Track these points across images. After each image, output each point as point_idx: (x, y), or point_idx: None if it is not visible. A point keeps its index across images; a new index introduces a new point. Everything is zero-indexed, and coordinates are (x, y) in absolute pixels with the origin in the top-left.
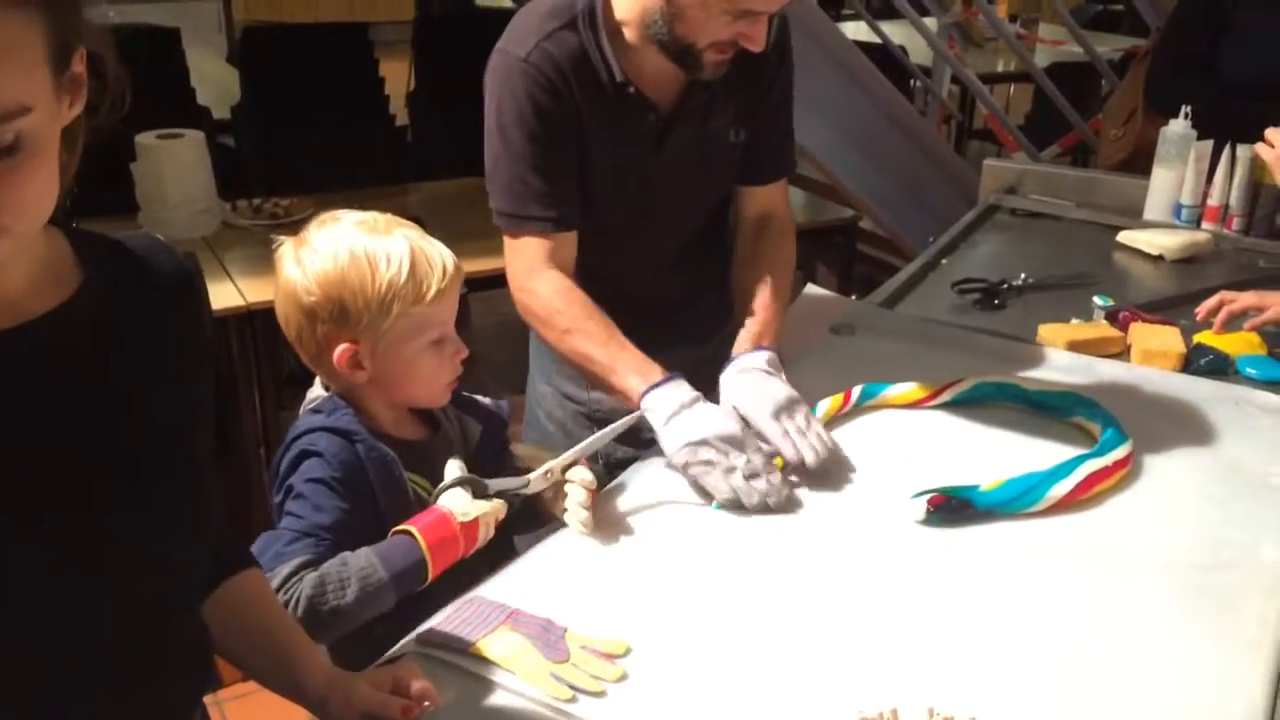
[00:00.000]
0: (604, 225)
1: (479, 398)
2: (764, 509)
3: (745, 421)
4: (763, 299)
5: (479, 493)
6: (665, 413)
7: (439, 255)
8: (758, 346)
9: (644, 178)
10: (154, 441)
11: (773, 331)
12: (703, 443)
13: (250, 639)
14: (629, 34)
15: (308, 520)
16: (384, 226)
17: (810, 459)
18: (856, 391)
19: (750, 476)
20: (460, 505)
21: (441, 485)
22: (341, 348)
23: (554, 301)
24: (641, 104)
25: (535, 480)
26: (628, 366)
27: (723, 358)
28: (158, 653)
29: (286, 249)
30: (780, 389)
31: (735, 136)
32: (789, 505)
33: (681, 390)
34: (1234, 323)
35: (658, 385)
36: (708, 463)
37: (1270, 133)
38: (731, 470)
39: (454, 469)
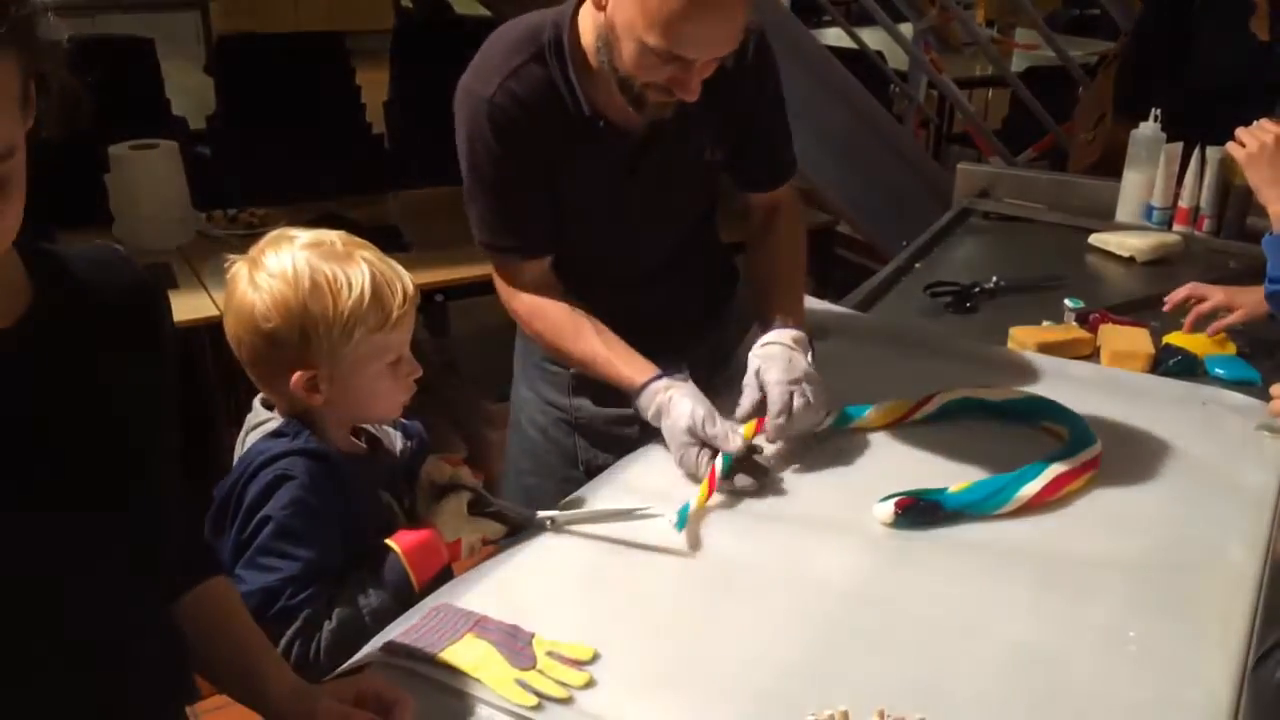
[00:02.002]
0: (580, 249)
1: (400, 419)
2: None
3: (763, 390)
4: (780, 282)
5: (477, 505)
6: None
7: (399, 280)
8: (782, 325)
9: (618, 203)
10: (104, 457)
11: (795, 308)
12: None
13: (214, 647)
14: (593, 61)
15: (303, 562)
16: (342, 248)
17: (782, 438)
18: (829, 419)
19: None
20: (450, 522)
21: (444, 483)
22: (299, 374)
23: (531, 323)
24: (612, 133)
25: (540, 518)
26: (618, 373)
27: (712, 360)
28: (118, 656)
29: (240, 270)
30: (800, 362)
31: (712, 155)
32: (757, 490)
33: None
34: (1201, 324)
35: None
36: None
37: (1241, 132)
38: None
39: (464, 475)
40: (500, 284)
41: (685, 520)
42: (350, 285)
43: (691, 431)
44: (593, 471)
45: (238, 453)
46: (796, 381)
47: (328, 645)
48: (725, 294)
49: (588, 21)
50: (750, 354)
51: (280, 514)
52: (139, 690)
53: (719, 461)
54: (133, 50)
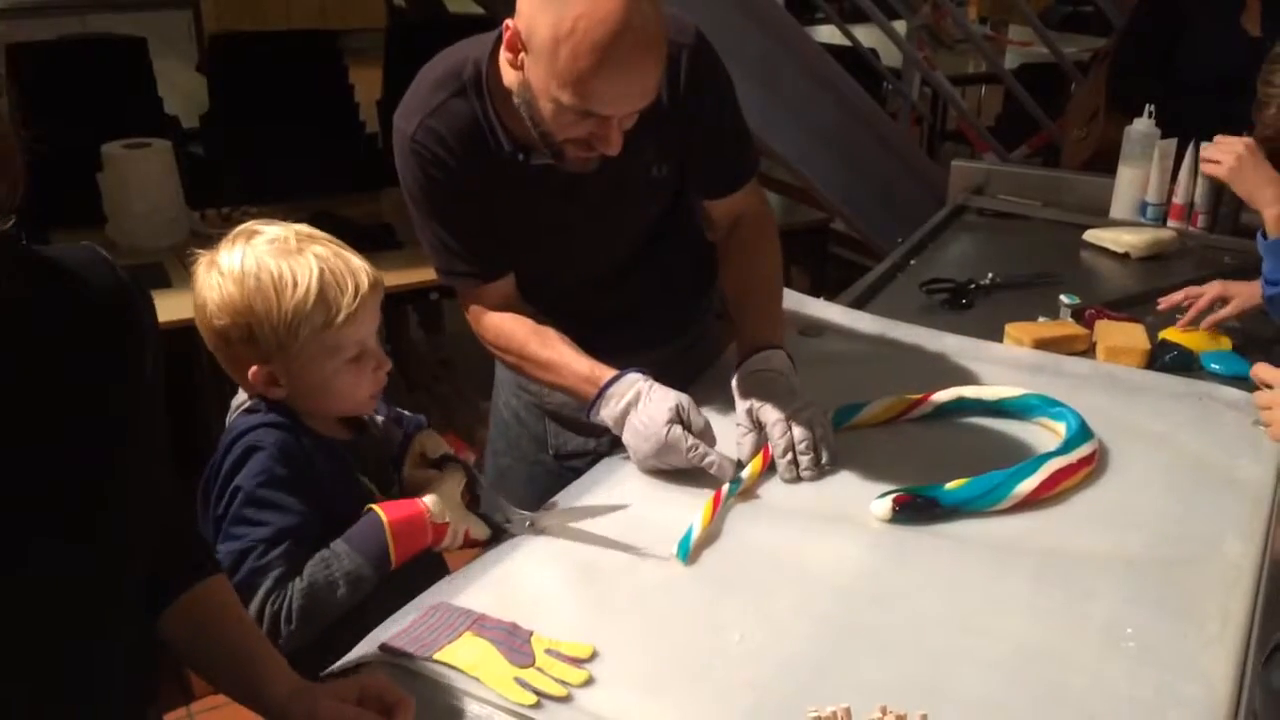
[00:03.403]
0: (533, 265)
1: (402, 411)
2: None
3: (760, 426)
4: (752, 301)
5: (468, 492)
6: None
7: (351, 275)
8: (759, 348)
9: (558, 228)
10: (78, 463)
11: (770, 327)
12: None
13: (213, 647)
14: (516, 100)
15: (273, 525)
16: (295, 243)
17: (794, 477)
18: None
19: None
20: (445, 503)
21: (436, 456)
22: (254, 368)
23: (496, 341)
24: (539, 168)
25: (517, 523)
26: (577, 378)
27: (691, 354)
28: (81, 673)
29: (201, 266)
30: (787, 396)
31: (658, 171)
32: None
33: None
34: (1199, 319)
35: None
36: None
37: (1209, 153)
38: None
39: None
40: (468, 313)
41: (688, 550)
42: (295, 283)
43: (677, 411)
44: (562, 456)
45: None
46: (794, 414)
47: (299, 607)
48: (700, 288)
49: (506, 64)
50: (735, 385)
51: (248, 483)
52: (102, 697)
53: (725, 486)
54: (125, 49)
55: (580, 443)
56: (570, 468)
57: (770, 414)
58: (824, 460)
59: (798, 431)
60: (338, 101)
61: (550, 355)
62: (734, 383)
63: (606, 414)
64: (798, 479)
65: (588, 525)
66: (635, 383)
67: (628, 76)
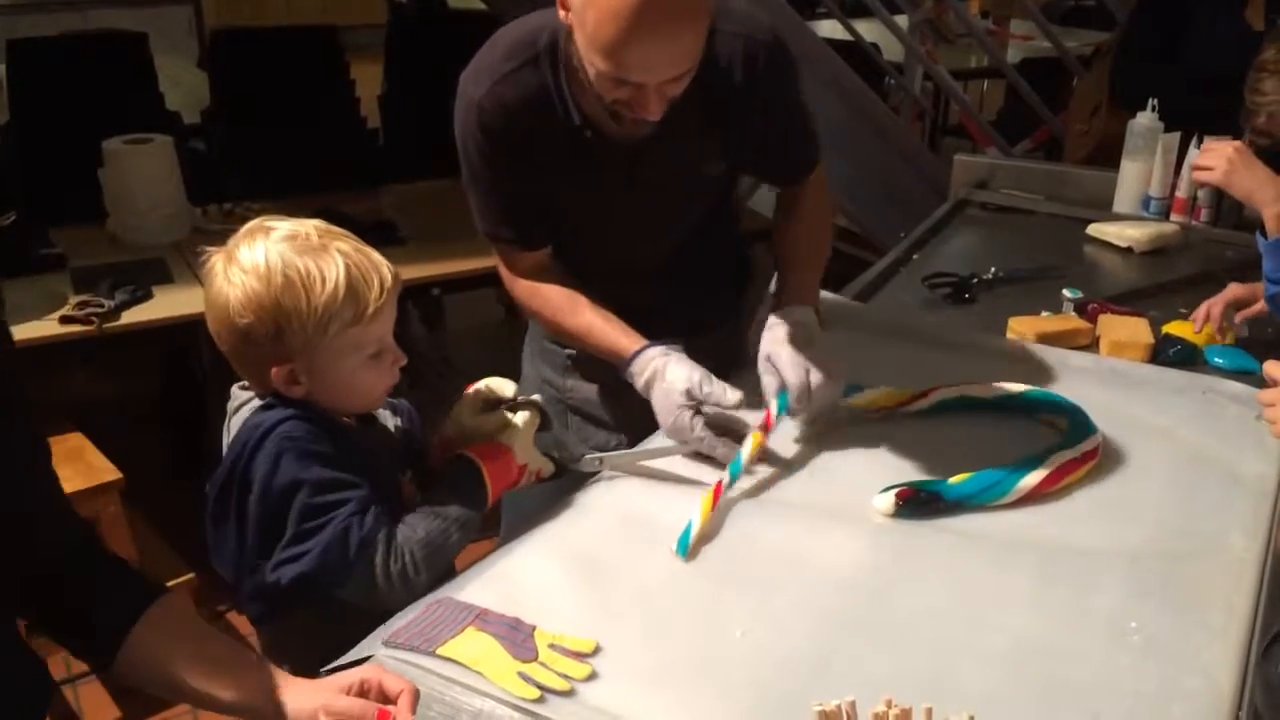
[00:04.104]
0: (578, 247)
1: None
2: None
3: (778, 371)
4: (795, 262)
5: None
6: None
7: (375, 271)
8: (789, 304)
9: (614, 210)
10: None
11: (805, 291)
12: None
13: (188, 666)
14: (575, 59)
15: (354, 499)
16: (317, 240)
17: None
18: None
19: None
20: (523, 442)
21: (509, 399)
22: (277, 368)
23: (530, 302)
24: (603, 144)
25: (586, 461)
26: (613, 342)
27: (721, 356)
28: None
29: (216, 264)
30: (810, 338)
31: (714, 169)
32: (756, 491)
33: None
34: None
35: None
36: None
37: (1200, 161)
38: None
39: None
40: (502, 268)
41: (688, 545)
42: (324, 280)
43: (689, 394)
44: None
45: (225, 439)
46: (810, 357)
47: (423, 557)
48: (735, 290)
49: None
50: (762, 336)
51: (305, 473)
52: None
53: (725, 476)
54: (126, 45)
55: (603, 438)
56: None
57: (785, 355)
58: (838, 396)
59: (815, 375)
60: (339, 97)
61: (578, 325)
62: (762, 334)
63: (639, 388)
64: (811, 417)
65: (655, 464)
66: (651, 360)
67: (654, 44)
